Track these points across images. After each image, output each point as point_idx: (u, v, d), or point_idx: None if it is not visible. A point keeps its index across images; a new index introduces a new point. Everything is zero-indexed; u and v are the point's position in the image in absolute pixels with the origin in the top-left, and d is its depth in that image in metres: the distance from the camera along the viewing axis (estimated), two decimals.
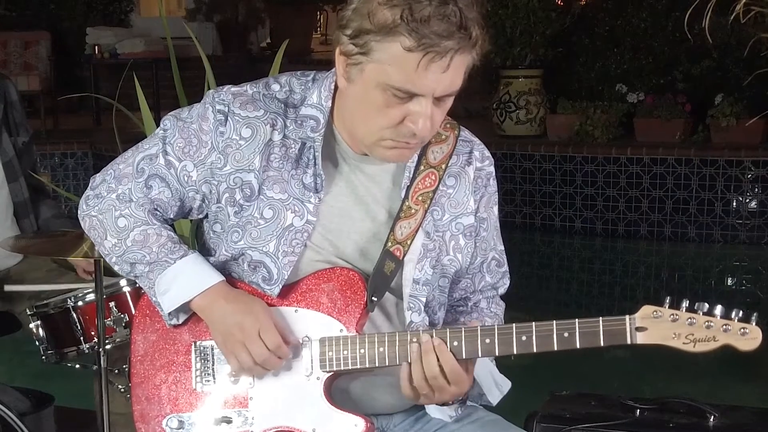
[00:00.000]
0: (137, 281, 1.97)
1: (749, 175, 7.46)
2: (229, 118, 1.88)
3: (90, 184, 1.98)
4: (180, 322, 1.93)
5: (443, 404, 1.91)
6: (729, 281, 7.45)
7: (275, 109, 1.89)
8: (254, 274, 1.90)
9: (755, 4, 4.87)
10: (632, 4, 8.74)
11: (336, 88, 1.89)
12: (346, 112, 1.87)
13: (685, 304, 1.75)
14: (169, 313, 1.91)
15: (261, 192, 1.88)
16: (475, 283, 2.05)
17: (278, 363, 1.86)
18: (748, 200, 7.53)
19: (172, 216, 1.96)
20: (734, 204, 7.53)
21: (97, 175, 1.98)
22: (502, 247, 2.08)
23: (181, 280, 1.88)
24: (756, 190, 7.48)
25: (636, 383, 4.82)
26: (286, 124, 1.89)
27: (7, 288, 3.00)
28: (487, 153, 2.03)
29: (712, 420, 2.59)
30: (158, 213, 1.94)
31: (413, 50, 1.70)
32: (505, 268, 2.09)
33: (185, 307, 1.91)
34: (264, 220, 1.88)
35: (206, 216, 1.97)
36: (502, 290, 2.10)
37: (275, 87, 1.92)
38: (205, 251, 1.99)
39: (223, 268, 1.93)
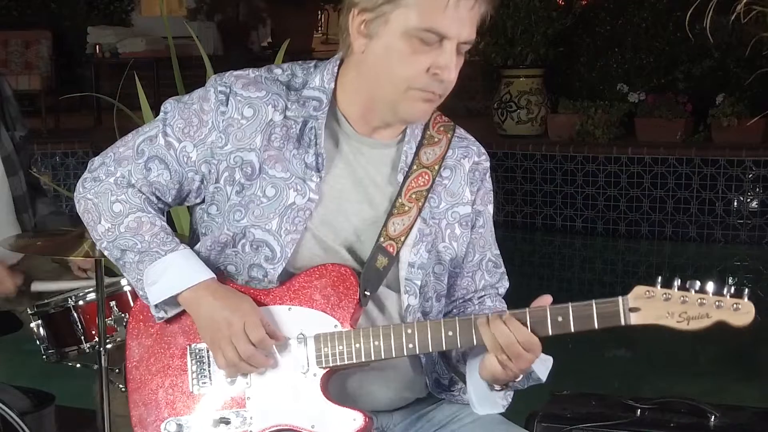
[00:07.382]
0: (124, 272, 1.96)
1: (750, 175, 7.46)
2: (230, 98, 1.90)
3: (88, 167, 1.98)
4: (168, 315, 1.92)
5: (503, 387, 1.89)
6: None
7: (277, 91, 1.92)
8: (257, 255, 1.90)
9: (756, 3, 4.87)
10: (633, 3, 8.73)
11: (338, 73, 1.92)
12: (363, 78, 1.89)
13: (676, 282, 1.75)
14: (156, 306, 1.90)
15: (262, 171, 1.89)
16: (476, 281, 2.05)
17: (264, 360, 1.86)
18: (749, 200, 7.52)
19: (170, 200, 1.96)
20: (735, 204, 7.53)
21: (96, 158, 1.98)
22: (498, 252, 2.09)
23: (171, 273, 1.87)
24: (757, 189, 7.48)
25: (636, 383, 4.82)
26: (288, 105, 1.91)
27: (34, 287, 2.98)
28: (483, 150, 2.06)
29: (712, 420, 2.59)
30: (155, 199, 1.95)
31: None
32: (503, 269, 2.10)
33: (172, 301, 1.90)
34: (267, 198, 1.89)
35: (203, 200, 1.97)
36: (502, 290, 2.10)
37: (278, 71, 1.96)
38: (196, 239, 1.99)
39: (219, 257, 1.93)
